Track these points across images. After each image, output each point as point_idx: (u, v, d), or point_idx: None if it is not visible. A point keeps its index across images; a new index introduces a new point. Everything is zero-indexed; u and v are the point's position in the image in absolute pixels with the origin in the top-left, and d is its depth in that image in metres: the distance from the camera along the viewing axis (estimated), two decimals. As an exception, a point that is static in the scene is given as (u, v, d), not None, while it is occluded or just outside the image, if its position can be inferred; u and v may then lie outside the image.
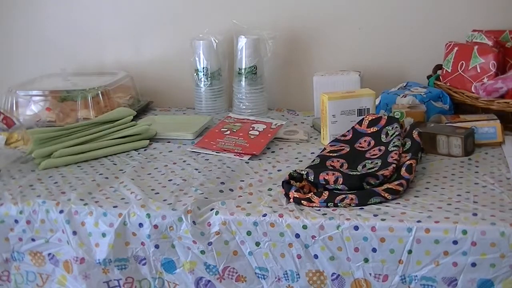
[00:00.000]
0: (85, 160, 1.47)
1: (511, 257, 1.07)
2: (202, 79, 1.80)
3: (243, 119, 1.67)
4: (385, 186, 1.21)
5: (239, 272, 1.19)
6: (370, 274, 1.13)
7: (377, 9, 1.80)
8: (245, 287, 1.19)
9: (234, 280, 1.19)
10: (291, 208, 1.18)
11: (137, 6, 1.94)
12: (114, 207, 1.23)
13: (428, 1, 1.77)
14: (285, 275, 1.17)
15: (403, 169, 1.25)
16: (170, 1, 1.91)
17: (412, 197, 1.20)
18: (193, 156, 1.48)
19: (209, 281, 1.20)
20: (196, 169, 1.39)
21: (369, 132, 1.40)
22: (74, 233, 1.23)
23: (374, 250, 1.12)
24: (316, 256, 1.15)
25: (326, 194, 1.19)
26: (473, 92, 1.57)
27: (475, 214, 1.11)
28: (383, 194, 1.19)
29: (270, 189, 1.27)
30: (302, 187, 1.24)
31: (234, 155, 1.46)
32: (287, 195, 1.21)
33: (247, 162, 1.43)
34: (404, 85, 1.69)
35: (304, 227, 1.14)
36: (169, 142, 1.59)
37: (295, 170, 1.27)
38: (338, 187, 1.21)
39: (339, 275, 1.15)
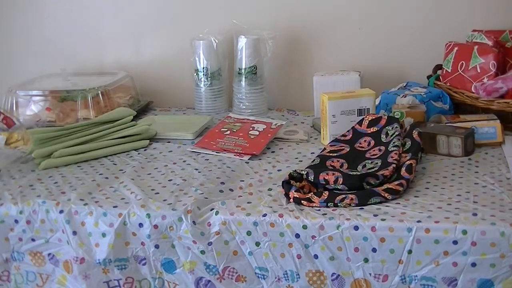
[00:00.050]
0: (85, 160, 1.47)
1: (511, 257, 1.07)
2: (202, 79, 1.80)
3: (243, 119, 1.67)
4: (385, 186, 1.21)
5: (239, 272, 1.19)
6: (370, 274, 1.13)
7: (377, 9, 1.80)
8: (245, 287, 1.19)
9: (234, 280, 1.19)
10: (291, 208, 1.18)
11: (137, 6, 1.94)
12: (114, 207, 1.23)
13: (428, 1, 1.77)
14: (285, 275, 1.17)
15: (403, 169, 1.25)
16: (170, 1, 1.91)
17: (412, 197, 1.20)
18: (193, 156, 1.48)
19: (209, 281, 1.20)
20: (196, 169, 1.39)
21: (369, 132, 1.40)
22: (74, 233, 1.23)
23: (374, 250, 1.12)
24: (316, 256, 1.15)
25: (326, 194, 1.19)
26: (473, 92, 1.57)
27: (475, 214, 1.11)
28: (383, 194, 1.19)
29: (270, 189, 1.27)
30: (302, 187, 1.24)
31: (234, 155, 1.46)
32: (287, 195, 1.21)
33: (247, 162, 1.43)
34: (404, 85, 1.69)
35: (304, 227, 1.14)
36: (169, 142, 1.59)
37: (295, 170, 1.27)
38: (338, 187, 1.21)
39: (339, 275, 1.15)
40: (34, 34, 2.00)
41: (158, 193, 1.27)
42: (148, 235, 1.20)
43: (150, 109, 1.90)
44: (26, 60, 2.02)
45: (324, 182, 1.22)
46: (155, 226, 1.20)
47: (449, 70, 1.65)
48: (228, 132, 1.57)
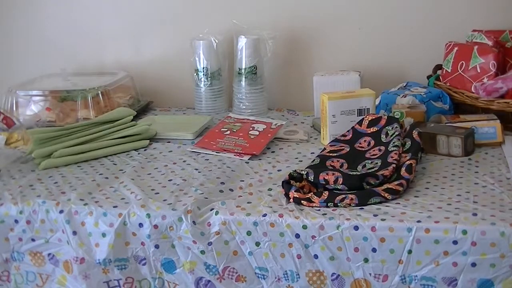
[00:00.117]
0: (85, 160, 1.47)
1: (511, 257, 1.07)
2: (202, 79, 1.80)
3: (243, 119, 1.67)
4: (385, 186, 1.21)
5: (239, 272, 1.19)
6: (370, 274, 1.13)
7: (377, 9, 1.80)
8: (245, 287, 1.19)
9: (234, 280, 1.19)
10: (291, 208, 1.18)
11: (137, 6, 1.94)
12: (114, 207, 1.23)
13: (428, 1, 1.77)
14: (285, 275, 1.17)
15: (403, 169, 1.25)
16: (170, 1, 1.91)
17: (412, 197, 1.20)
18: (193, 156, 1.48)
19: (209, 281, 1.20)
20: (196, 169, 1.39)
21: (369, 132, 1.40)
22: (74, 233, 1.23)
23: (374, 250, 1.12)
24: (316, 256, 1.15)
25: (326, 194, 1.19)
26: (473, 92, 1.57)
27: (475, 214, 1.11)
28: (383, 194, 1.19)
29: (270, 189, 1.27)
30: (302, 187, 1.24)
31: (234, 155, 1.46)
32: (287, 195, 1.21)
33: (247, 162, 1.43)
34: (404, 85, 1.69)
35: (304, 227, 1.14)
36: (169, 142, 1.59)
37: (295, 170, 1.27)
38: (338, 187, 1.21)
39: (339, 275, 1.15)
40: (34, 34, 2.00)
41: (158, 193, 1.27)
42: (148, 235, 1.20)
43: (150, 109, 1.90)
44: (26, 60, 2.02)
45: (324, 182, 1.22)
46: (155, 226, 1.20)
47: (449, 70, 1.65)
48: (228, 132, 1.57)
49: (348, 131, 1.43)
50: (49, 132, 1.50)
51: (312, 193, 1.21)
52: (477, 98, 1.55)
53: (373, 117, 1.42)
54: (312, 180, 1.23)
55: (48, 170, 1.42)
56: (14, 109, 1.75)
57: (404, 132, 1.38)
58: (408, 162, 1.26)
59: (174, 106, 1.92)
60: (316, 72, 1.75)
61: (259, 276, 1.18)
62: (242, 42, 1.75)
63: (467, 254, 1.08)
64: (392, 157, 1.28)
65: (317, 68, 1.81)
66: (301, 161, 1.43)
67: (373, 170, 1.26)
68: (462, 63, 1.62)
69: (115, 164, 1.45)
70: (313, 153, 1.45)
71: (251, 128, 1.58)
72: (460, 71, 1.62)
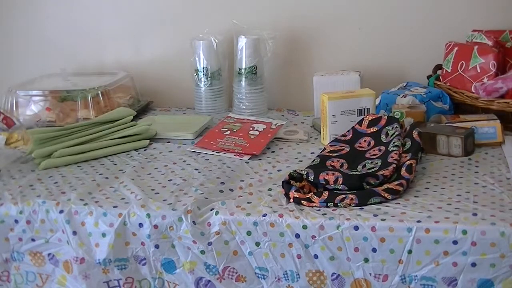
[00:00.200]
0: (85, 160, 1.47)
1: (511, 257, 1.07)
2: (202, 79, 1.80)
3: (243, 119, 1.67)
4: (385, 186, 1.21)
5: (239, 272, 1.19)
6: (370, 274, 1.13)
7: (377, 9, 1.80)
8: (245, 287, 1.19)
9: (234, 280, 1.19)
10: (291, 208, 1.18)
11: (137, 6, 1.94)
12: (114, 207, 1.23)
13: (428, 1, 1.77)
14: (285, 275, 1.17)
15: (403, 169, 1.25)
16: (170, 1, 1.91)
17: (412, 197, 1.20)
18: (193, 156, 1.48)
19: (209, 281, 1.20)
20: (196, 169, 1.39)
21: (369, 132, 1.40)
22: (74, 233, 1.23)
23: (374, 250, 1.12)
24: (316, 256, 1.15)
25: (326, 194, 1.19)
26: (473, 92, 1.57)
27: (475, 214, 1.11)
28: (383, 194, 1.19)
29: (270, 189, 1.27)
30: (302, 187, 1.24)
31: (234, 155, 1.46)
32: (287, 195, 1.21)
33: (247, 162, 1.43)
34: (404, 85, 1.69)
35: (304, 227, 1.14)
36: (169, 142, 1.59)
37: (295, 170, 1.27)
38: (338, 187, 1.21)
39: (339, 275, 1.15)
40: (34, 34, 2.00)
41: (158, 193, 1.27)
42: (148, 235, 1.20)
43: (150, 109, 1.90)
44: (26, 60, 2.02)
45: (324, 182, 1.22)
46: (155, 226, 1.20)
47: (449, 70, 1.65)
48: (228, 132, 1.57)
49: (348, 131, 1.43)
50: (49, 132, 1.50)
51: (312, 193, 1.21)
52: (477, 98, 1.55)
53: (373, 117, 1.42)
54: (312, 180, 1.23)
55: (48, 170, 1.42)
56: (14, 109, 1.75)
57: (404, 132, 1.38)
58: (408, 162, 1.26)
59: (174, 106, 1.92)
60: (316, 72, 1.75)
61: (259, 276, 1.18)
62: (242, 42, 1.75)
63: (467, 254, 1.08)
64: (392, 157, 1.28)
65: (317, 68, 1.81)
66: (301, 161, 1.42)
67: (373, 170, 1.26)
68: (462, 63, 1.62)
69: (115, 164, 1.45)
70: (313, 153, 1.45)
71: (251, 128, 1.58)
72: (460, 71, 1.62)
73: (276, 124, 1.61)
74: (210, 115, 1.77)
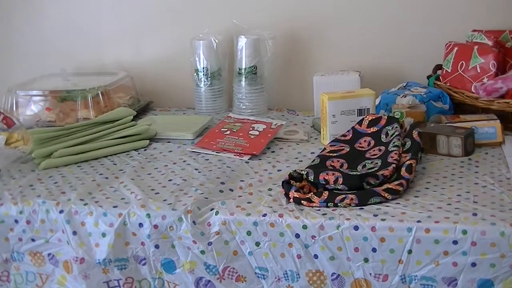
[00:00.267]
0: (85, 160, 1.47)
1: (511, 257, 1.07)
2: (202, 79, 1.80)
3: (243, 119, 1.67)
4: (385, 186, 1.21)
5: (239, 272, 1.19)
6: (370, 274, 1.13)
7: (377, 9, 1.80)
8: (245, 287, 1.19)
9: (234, 280, 1.19)
10: (291, 208, 1.18)
11: (137, 6, 1.94)
12: (114, 207, 1.23)
13: (428, 1, 1.77)
14: (285, 275, 1.17)
15: (403, 169, 1.25)
16: (170, 1, 1.91)
17: (412, 197, 1.20)
18: (193, 156, 1.48)
19: (209, 281, 1.20)
20: (196, 169, 1.39)
21: (369, 132, 1.40)
22: (74, 233, 1.23)
23: (374, 250, 1.11)
24: (316, 256, 1.15)
25: (326, 194, 1.19)
26: (473, 92, 1.57)
27: (475, 214, 1.11)
28: (383, 194, 1.19)
29: (270, 189, 1.27)
30: (302, 187, 1.24)
31: (234, 155, 1.46)
32: (287, 195, 1.21)
33: (247, 162, 1.43)
34: (404, 85, 1.69)
35: (304, 227, 1.14)
36: (169, 142, 1.59)
37: (295, 170, 1.27)
38: (338, 187, 1.21)
39: (339, 275, 1.15)
40: (34, 34, 2.00)
41: (158, 193, 1.27)
42: (148, 235, 1.20)
43: (150, 109, 1.90)
44: (26, 60, 2.02)
45: (324, 182, 1.22)
46: (155, 226, 1.20)
47: (449, 70, 1.65)
48: (228, 132, 1.57)
49: (348, 131, 1.43)
50: (49, 132, 1.50)
51: (312, 193, 1.21)
52: (477, 98, 1.55)
53: (373, 117, 1.42)
54: (312, 180, 1.23)
55: (48, 170, 1.42)
56: (14, 109, 1.75)
57: (404, 132, 1.38)
58: (408, 162, 1.26)
59: (174, 106, 1.92)
60: (316, 72, 1.75)
61: (259, 276, 1.18)
62: (242, 42, 1.75)
63: (467, 254, 1.08)
64: (392, 157, 1.28)
65: (317, 68, 1.81)
66: (301, 161, 1.42)
67: (373, 170, 1.26)
68: (462, 63, 1.62)
69: (115, 164, 1.45)
70: (313, 153, 1.45)
71: (251, 128, 1.58)
72: (460, 71, 1.62)
73: (276, 124, 1.61)
74: (210, 115, 1.77)
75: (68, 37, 1.98)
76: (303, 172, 1.25)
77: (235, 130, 1.57)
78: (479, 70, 1.58)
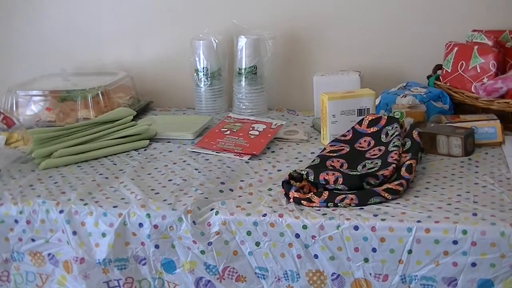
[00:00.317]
0: (85, 160, 1.47)
1: (511, 257, 1.07)
2: (202, 79, 1.80)
3: (243, 119, 1.67)
4: (385, 186, 1.21)
5: (239, 272, 1.19)
6: (370, 274, 1.13)
7: (377, 9, 1.80)
8: (245, 287, 1.19)
9: (234, 280, 1.19)
10: (291, 208, 1.18)
11: (137, 6, 1.94)
12: (114, 207, 1.23)
13: (428, 1, 1.77)
14: (285, 275, 1.17)
15: (403, 169, 1.25)
16: (170, 1, 1.91)
17: (412, 197, 1.20)
18: (193, 156, 1.48)
19: (209, 281, 1.20)
20: (196, 169, 1.39)
21: (369, 132, 1.40)
22: (74, 233, 1.23)
23: (374, 250, 1.11)
24: (316, 256, 1.15)
25: (326, 194, 1.19)
26: (473, 92, 1.57)
27: (475, 214, 1.11)
28: (383, 194, 1.19)
29: (270, 189, 1.27)
30: (302, 187, 1.24)
31: (234, 155, 1.46)
32: (287, 195, 1.21)
33: (247, 162, 1.43)
34: (404, 85, 1.69)
35: (304, 227, 1.14)
36: (169, 142, 1.59)
37: (295, 170, 1.27)
38: (338, 187, 1.21)
39: (339, 275, 1.15)
40: (34, 34, 2.00)
41: (158, 193, 1.27)
42: (148, 235, 1.20)
43: (150, 109, 1.90)
44: (26, 60, 2.02)
45: (324, 182, 1.22)
46: (155, 226, 1.20)
47: (449, 70, 1.65)
48: (228, 132, 1.57)
49: (348, 131, 1.43)
50: (49, 132, 1.50)
51: (312, 193, 1.21)
52: (477, 98, 1.55)
53: (373, 117, 1.42)
54: (312, 180, 1.23)
55: (48, 170, 1.42)
56: (14, 109, 1.75)
57: (404, 132, 1.38)
58: (408, 162, 1.26)
59: (174, 106, 1.92)
60: (316, 72, 1.75)
61: (259, 276, 1.18)
62: (242, 42, 1.75)
63: (467, 254, 1.08)
64: (392, 157, 1.28)
65: (317, 68, 1.81)
66: (301, 161, 1.42)
67: (373, 170, 1.26)
68: (462, 63, 1.62)
69: (115, 164, 1.45)
70: (313, 153, 1.45)
71: (251, 128, 1.58)
72: (460, 71, 1.62)
73: (276, 124, 1.61)
74: (210, 115, 1.77)
75: (68, 37, 1.98)
76: (303, 172, 1.25)
77: (235, 130, 1.57)
78: (479, 70, 1.58)
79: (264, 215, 1.16)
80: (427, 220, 1.10)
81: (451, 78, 1.64)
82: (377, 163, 1.29)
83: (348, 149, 1.38)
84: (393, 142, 1.33)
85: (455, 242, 1.08)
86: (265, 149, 1.49)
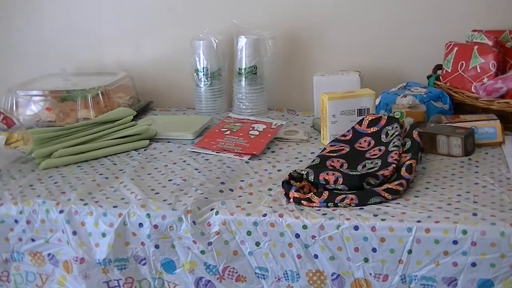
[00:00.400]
0: (85, 160, 1.47)
1: (511, 257, 1.07)
2: (202, 79, 1.80)
3: (243, 119, 1.67)
4: (385, 186, 1.21)
5: (239, 272, 1.19)
6: (370, 274, 1.13)
7: (377, 9, 1.80)
8: (245, 287, 1.19)
9: (234, 280, 1.19)
10: (291, 208, 1.18)
11: (137, 6, 1.94)
12: (114, 207, 1.23)
13: (428, 1, 1.77)
14: (285, 275, 1.17)
15: (403, 169, 1.25)
16: (170, 1, 1.91)
17: (412, 197, 1.20)
18: (193, 156, 1.48)
19: (209, 281, 1.20)
20: (196, 169, 1.39)
21: (369, 132, 1.40)
22: (74, 233, 1.23)
23: (374, 250, 1.11)
24: (316, 256, 1.15)
25: (326, 194, 1.19)
26: (473, 92, 1.57)
27: (475, 214, 1.11)
28: (383, 194, 1.19)
29: (270, 189, 1.27)
30: (302, 187, 1.24)
31: (234, 155, 1.46)
32: (287, 195, 1.21)
33: (247, 162, 1.43)
34: (404, 85, 1.69)
35: (304, 227, 1.14)
36: (169, 142, 1.59)
37: (295, 170, 1.27)
38: (338, 187, 1.21)
39: (339, 275, 1.15)
40: (33, 34, 2.00)
41: (158, 193, 1.27)
42: (148, 235, 1.20)
43: (150, 109, 1.90)
44: (26, 60, 2.02)
45: (324, 182, 1.22)
46: (155, 226, 1.20)
47: (449, 70, 1.65)
48: (228, 132, 1.57)
49: (348, 131, 1.43)
50: (49, 132, 1.50)
51: (312, 193, 1.21)
52: (477, 98, 1.55)
53: (373, 117, 1.42)
54: (312, 180, 1.23)
55: (48, 170, 1.42)
56: (14, 109, 1.75)
57: (404, 132, 1.38)
58: (408, 162, 1.26)
59: (174, 106, 1.92)
60: (316, 72, 1.75)
61: (259, 276, 1.18)
62: (242, 42, 1.75)
63: (467, 254, 1.08)
64: (392, 157, 1.28)
65: (317, 68, 1.81)
66: (301, 161, 1.42)
67: (373, 170, 1.26)
68: (462, 63, 1.62)
69: (115, 164, 1.45)
70: (313, 153, 1.45)
71: (251, 128, 1.58)
72: (460, 71, 1.62)
73: (276, 124, 1.61)
74: (210, 115, 1.77)
75: (68, 37, 1.98)
76: (303, 172, 1.25)
77: (235, 130, 1.57)
78: (479, 70, 1.58)
79: (264, 215, 1.16)
80: (427, 220, 1.10)
81: (451, 78, 1.64)
82: (377, 163, 1.29)
83: (348, 149, 1.38)
84: (393, 142, 1.33)
85: (455, 242, 1.08)
86: (265, 149, 1.49)
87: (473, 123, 1.46)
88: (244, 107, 1.78)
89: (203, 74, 1.80)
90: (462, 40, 1.69)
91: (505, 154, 1.39)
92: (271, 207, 1.19)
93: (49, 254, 1.26)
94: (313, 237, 1.14)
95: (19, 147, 1.53)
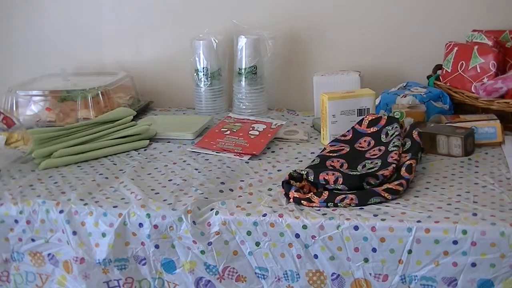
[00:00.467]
0: (85, 160, 1.47)
1: (511, 257, 1.07)
2: (202, 79, 1.80)
3: (243, 119, 1.67)
4: (385, 186, 1.21)
5: (239, 272, 1.19)
6: (370, 274, 1.13)
7: (377, 9, 1.80)
8: (245, 287, 1.19)
9: (234, 280, 1.19)
10: (291, 208, 1.18)
11: (137, 6, 1.94)
12: (114, 207, 1.23)
13: (428, 1, 1.77)
14: (285, 275, 1.17)
15: (403, 169, 1.25)
16: (170, 1, 1.91)
17: (412, 197, 1.20)
18: (193, 156, 1.48)
19: (209, 281, 1.20)
20: (196, 169, 1.39)
21: (369, 132, 1.40)
22: (74, 233, 1.23)
23: (374, 250, 1.11)
24: (316, 256, 1.15)
25: (326, 194, 1.19)
26: (473, 92, 1.57)
27: (475, 214, 1.11)
28: (383, 194, 1.19)
29: (270, 189, 1.27)
30: (302, 187, 1.24)
31: (234, 155, 1.46)
32: (287, 195, 1.21)
33: (247, 162, 1.43)
34: (404, 85, 1.69)
35: (304, 227, 1.14)
36: (169, 142, 1.59)
37: (295, 170, 1.27)
38: (338, 187, 1.21)
39: (339, 275, 1.15)
40: (33, 34, 2.00)
41: (158, 193, 1.27)
42: (148, 235, 1.20)
43: (150, 109, 1.90)
44: (26, 60, 2.02)
45: (324, 182, 1.22)
46: (155, 226, 1.20)
47: (449, 70, 1.65)
48: (228, 132, 1.57)
49: (348, 131, 1.43)
50: (49, 132, 1.50)
51: (312, 193, 1.21)
52: (477, 98, 1.55)
53: (373, 117, 1.42)
54: (312, 180, 1.23)
55: (48, 170, 1.42)
56: (14, 109, 1.75)
57: (404, 132, 1.38)
58: (408, 162, 1.26)
59: (174, 106, 1.92)
60: (316, 72, 1.75)
61: (259, 276, 1.18)
62: (242, 42, 1.75)
63: (467, 254, 1.08)
64: (392, 157, 1.28)
65: (317, 68, 1.81)
66: (301, 161, 1.42)
67: (373, 170, 1.26)
68: (462, 63, 1.62)
69: (115, 164, 1.45)
70: (313, 153, 1.45)
71: (251, 128, 1.58)
72: (460, 71, 1.62)
73: (276, 124, 1.61)
74: (210, 115, 1.77)
75: (68, 37, 1.98)
76: (303, 172, 1.25)
77: (235, 130, 1.57)
78: (479, 70, 1.58)
79: (264, 215, 1.16)
80: (427, 220, 1.10)
81: (451, 78, 1.64)
82: (377, 163, 1.29)
83: (348, 149, 1.38)
84: (393, 142, 1.33)
85: (455, 242, 1.08)
86: (265, 149, 1.49)
87: (473, 123, 1.46)
88: (244, 107, 1.78)
89: (203, 74, 1.80)
90: (462, 40, 1.69)
91: (505, 154, 1.39)
92: (271, 207, 1.19)
93: (49, 254, 1.26)
94: (313, 237, 1.14)
95: (19, 147, 1.53)
